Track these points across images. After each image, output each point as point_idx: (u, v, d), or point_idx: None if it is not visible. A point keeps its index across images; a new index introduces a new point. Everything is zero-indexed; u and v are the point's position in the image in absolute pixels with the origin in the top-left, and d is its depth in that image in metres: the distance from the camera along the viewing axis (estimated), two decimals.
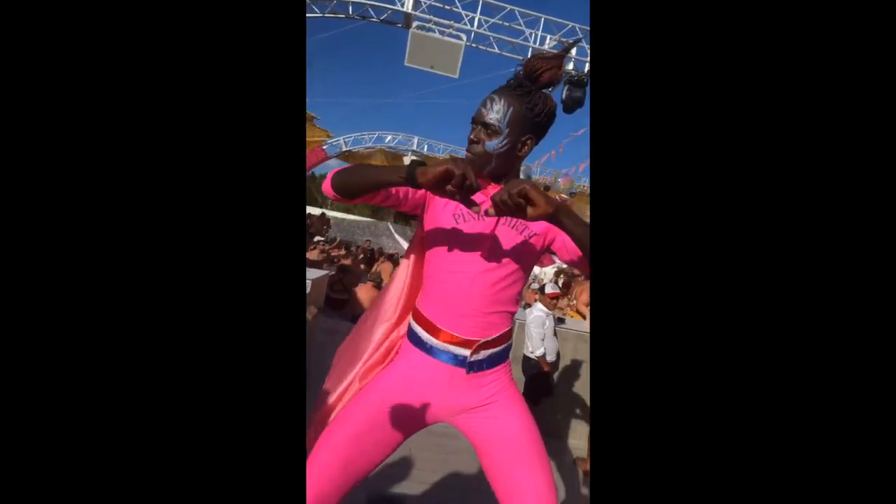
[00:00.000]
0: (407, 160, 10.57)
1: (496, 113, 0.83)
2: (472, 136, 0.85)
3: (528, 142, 0.86)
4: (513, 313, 0.86)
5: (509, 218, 0.82)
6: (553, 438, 2.82)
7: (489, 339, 0.82)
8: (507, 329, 0.86)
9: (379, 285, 5.35)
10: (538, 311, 2.66)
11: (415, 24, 5.97)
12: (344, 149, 10.50)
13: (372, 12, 6.36)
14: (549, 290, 2.76)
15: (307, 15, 6.28)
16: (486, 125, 0.83)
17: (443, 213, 0.85)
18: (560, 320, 3.12)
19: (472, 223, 0.83)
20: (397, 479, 2.08)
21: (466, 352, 0.81)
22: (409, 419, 0.82)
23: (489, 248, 0.83)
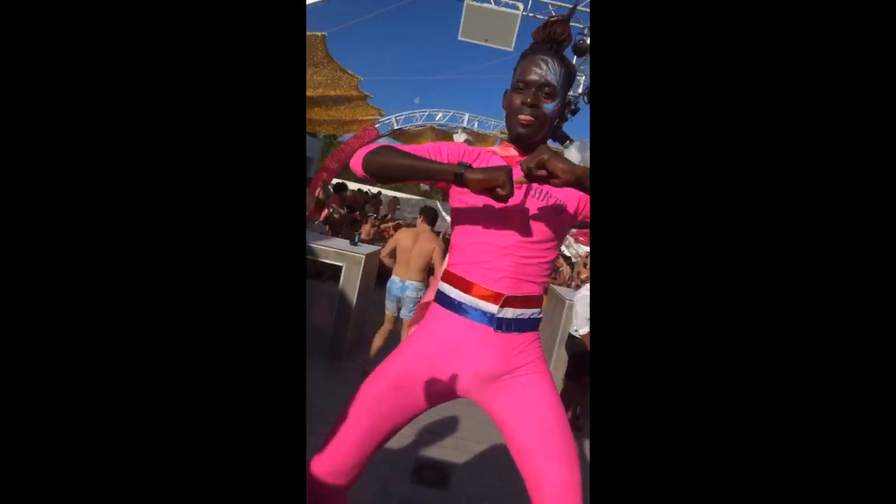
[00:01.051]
0: (458, 137, 10.49)
1: (554, 74, 0.81)
2: (527, 100, 0.82)
3: (568, 105, 0.85)
4: (543, 283, 0.86)
5: (539, 188, 0.82)
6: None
7: (517, 295, 0.81)
8: (535, 294, 0.84)
9: None
10: (585, 290, 2.62)
11: None
12: (395, 126, 10.59)
13: None
14: None
15: None
16: (545, 86, 0.81)
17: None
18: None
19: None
20: (444, 448, 2.18)
21: (494, 307, 0.80)
22: (438, 388, 0.80)
23: (519, 219, 0.82)
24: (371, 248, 3.42)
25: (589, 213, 0.85)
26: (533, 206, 0.84)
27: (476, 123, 10.63)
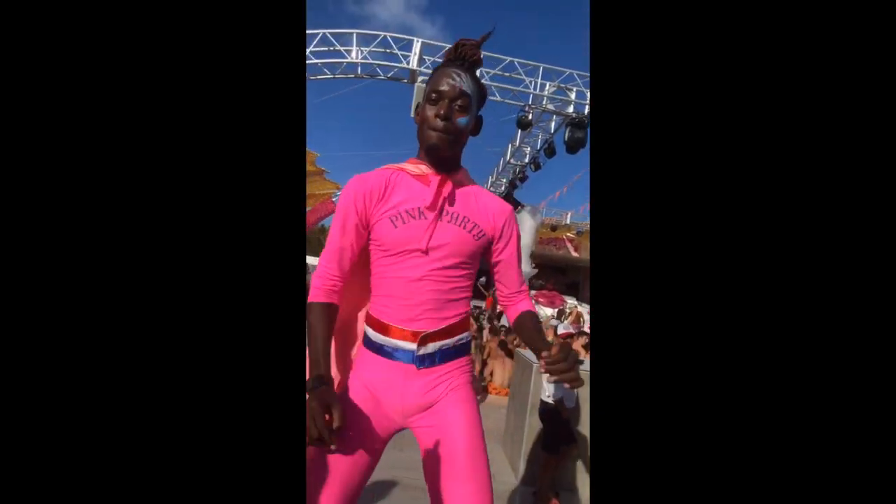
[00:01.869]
0: None
1: (468, 86, 0.80)
2: (440, 112, 0.79)
3: (479, 121, 0.85)
4: (464, 308, 0.84)
5: (450, 213, 0.82)
6: (569, 492, 2.56)
7: (435, 330, 0.79)
8: (455, 321, 0.82)
9: None
10: None
11: (419, 79, 6.27)
12: None
13: (379, 70, 6.71)
14: (560, 330, 2.61)
15: (318, 77, 6.65)
16: (458, 98, 0.80)
17: (381, 220, 0.82)
18: (578, 362, 2.94)
19: (410, 223, 0.80)
20: None
21: (413, 345, 0.79)
22: (372, 428, 0.77)
23: (429, 244, 0.80)
24: None
25: (498, 244, 0.87)
26: (442, 229, 0.81)
27: None
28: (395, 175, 0.84)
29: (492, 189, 9.37)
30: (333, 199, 10.68)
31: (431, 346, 0.80)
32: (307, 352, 0.73)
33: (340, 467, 0.73)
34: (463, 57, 0.83)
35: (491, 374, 4.76)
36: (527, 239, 6.57)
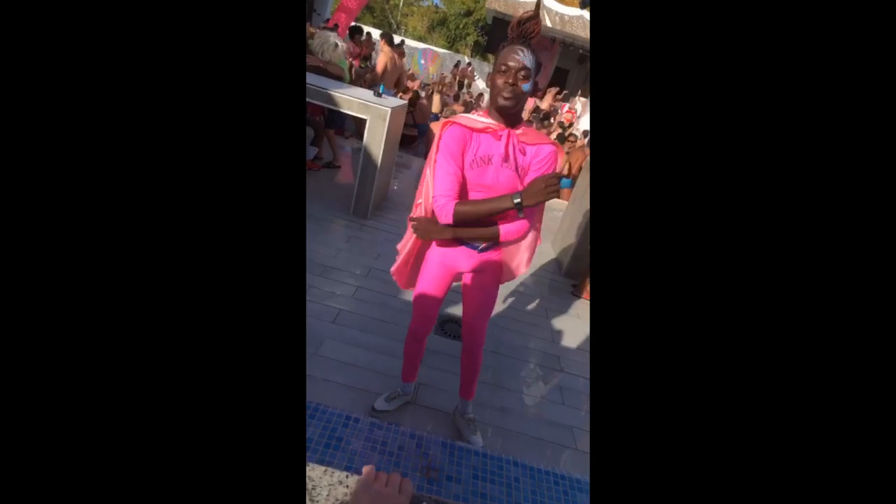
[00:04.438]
0: None
1: (529, 61, 1.07)
2: (508, 80, 1.06)
3: (535, 85, 1.12)
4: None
5: (511, 160, 1.15)
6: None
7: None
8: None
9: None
10: None
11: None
12: None
13: None
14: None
15: None
16: (522, 69, 1.06)
17: (465, 159, 1.16)
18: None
19: (482, 167, 1.16)
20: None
21: (479, 244, 1.31)
22: (450, 269, 1.38)
23: (494, 183, 1.17)
24: (397, 102, 3.12)
25: (541, 166, 1.19)
26: (505, 176, 1.17)
27: None
28: (476, 133, 1.16)
29: None
30: None
31: (485, 245, 1.32)
32: (486, 209, 1.12)
33: (437, 283, 1.37)
34: (524, 34, 1.08)
35: None
36: None
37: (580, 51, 11.30)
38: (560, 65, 11.45)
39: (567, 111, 7.86)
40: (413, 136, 5.32)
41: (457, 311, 2.29)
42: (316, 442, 1.39)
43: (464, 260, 1.33)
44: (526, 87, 1.08)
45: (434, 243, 1.34)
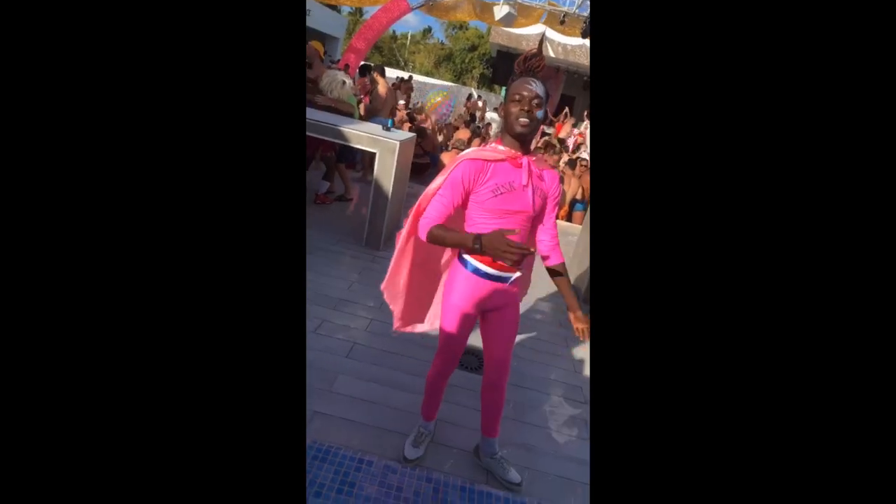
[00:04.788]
0: (498, 10, 9.20)
1: (540, 89, 1.15)
2: (524, 108, 1.14)
3: (545, 113, 1.19)
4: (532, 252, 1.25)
5: (530, 185, 1.21)
6: None
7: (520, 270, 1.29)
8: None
9: (461, 150, 5.17)
10: None
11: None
12: None
13: None
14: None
15: None
16: (535, 98, 1.14)
17: (484, 192, 1.20)
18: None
19: (507, 194, 1.20)
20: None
21: (510, 275, 1.29)
22: (481, 307, 1.36)
23: (522, 207, 1.23)
24: (405, 135, 3.16)
25: (550, 195, 1.28)
26: (528, 199, 1.22)
27: None
28: (491, 164, 1.20)
29: (576, 12, 8.70)
30: None
31: (513, 276, 1.29)
32: (451, 241, 1.15)
33: (467, 321, 1.33)
34: (531, 69, 1.18)
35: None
36: None
37: (584, 78, 11.56)
38: (565, 92, 11.69)
39: (578, 134, 7.96)
40: (424, 165, 5.39)
41: (472, 341, 2.22)
42: (328, 487, 1.32)
43: (497, 296, 1.30)
44: (539, 114, 1.15)
45: (461, 283, 1.30)
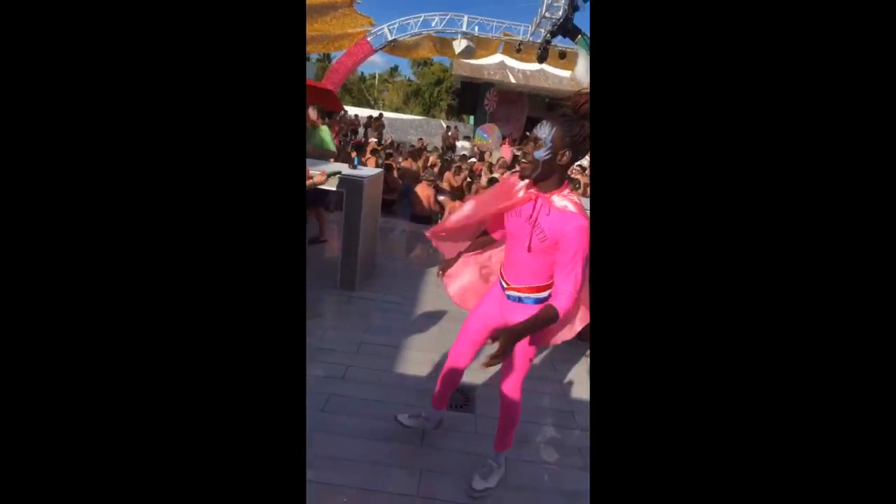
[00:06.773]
0: (457, 45, 9.55)
1: (544, 132, 1.20)
2: (525, 149, 1.24)
3: (566, 154, 1.20)
4: (539, 283, 1.35)
5: (537, 230, 1.27)
6: None
7: (521, 286, 1.38)
8: (538, 285, 1.36)
9: (433, 183, 5.19)
10: None
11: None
12: (389, 38, 9.61)
13: None
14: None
15: None
16: (535, 139, 1.21)
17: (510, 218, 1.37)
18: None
19: (514, 219, 1.34)
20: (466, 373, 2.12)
21: (512, 293, 1.40)
22: (487, 323, 1.52)
23: (516, 236, 1.34)
24: (373, 171, 3.15)
25: (560, 242, 1.25)
26: (528, 232, 1.31)
27: (476, 27, 9.58)
28: (522, 199, 1.32)
29: (530, 39, 8.98)
30: (369, 40, 9.62)
31: (515, 294, 1.40)
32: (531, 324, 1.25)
33: (474, 335, 1.52)
34: (575, 108, 1.18)
35: None
36: (582, 68, 7.62)
37: (546, 100, 11.94)
38: (531, 114, 12.04)
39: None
40: (393, 200, 5.38)
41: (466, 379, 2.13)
42: None
43: (519, 313, 1.37)
44: (538, 154, 1.20)
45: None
